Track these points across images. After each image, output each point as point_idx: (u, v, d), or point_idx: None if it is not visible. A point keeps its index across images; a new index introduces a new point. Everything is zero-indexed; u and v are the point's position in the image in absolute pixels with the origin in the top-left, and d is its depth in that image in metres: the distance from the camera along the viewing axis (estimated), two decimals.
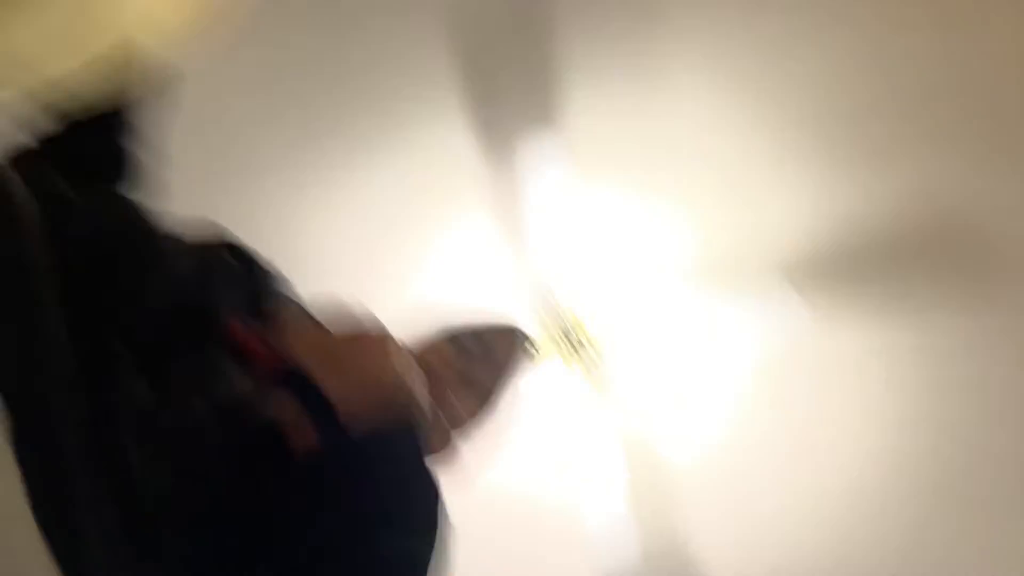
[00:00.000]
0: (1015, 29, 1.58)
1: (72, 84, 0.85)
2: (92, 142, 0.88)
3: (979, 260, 1.81)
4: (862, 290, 1.87)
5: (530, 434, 2.11)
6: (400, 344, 0.86)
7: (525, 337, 1.11)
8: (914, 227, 1.80)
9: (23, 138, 0.86)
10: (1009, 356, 1.89)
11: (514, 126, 1.80)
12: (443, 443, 0.99)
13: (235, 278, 0.91)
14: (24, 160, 0.83)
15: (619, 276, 1.96)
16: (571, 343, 1.92)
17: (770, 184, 1.82)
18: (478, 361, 1.03)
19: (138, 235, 0.83)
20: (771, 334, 1.69)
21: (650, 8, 1.62)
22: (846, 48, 1.70)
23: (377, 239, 1.92)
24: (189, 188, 1.79)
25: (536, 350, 1.11)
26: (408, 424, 0.79)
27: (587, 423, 1.84)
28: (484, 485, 2.11)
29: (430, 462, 0.83)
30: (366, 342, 0.82)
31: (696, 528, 2.16)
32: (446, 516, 0.78)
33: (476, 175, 1.85)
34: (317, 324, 0.95)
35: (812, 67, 1.71)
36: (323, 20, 1.65)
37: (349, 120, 1.80)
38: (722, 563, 2.19)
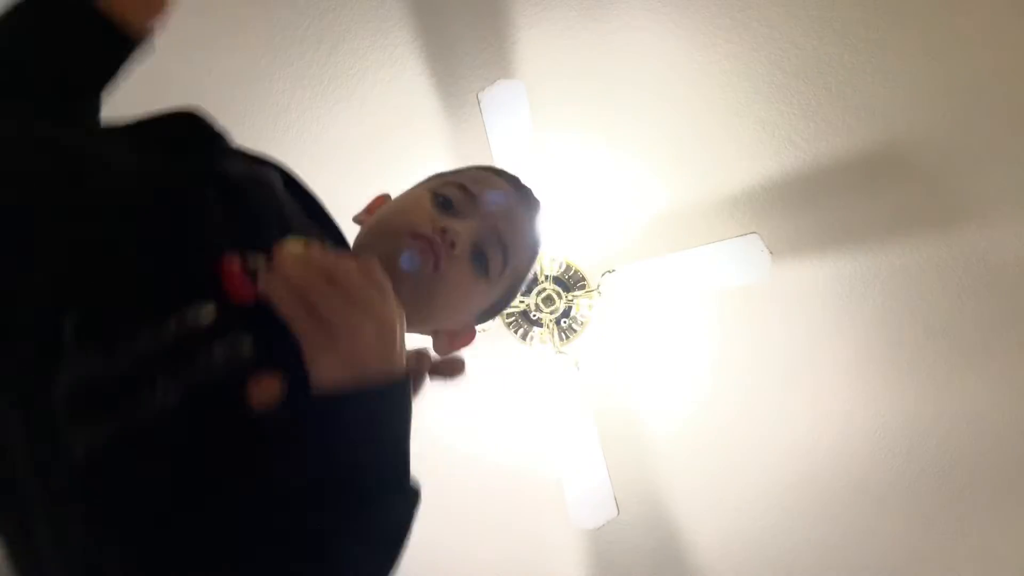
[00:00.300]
0: None
1: None
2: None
3: (938, 176, 1.83)
4: (821, 221, 1.90)
5: (509, 403, 2.11)
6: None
7: (513, 178, 0.90)
8: (866, 156, 1.84)
9: None
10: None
11: (471, 73, 1.77)
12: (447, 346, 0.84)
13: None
14: None
15: (586, 227, 1.97)
16: (542, 299, 1.93)
17: (736, 125, 1.84)
18: (464, 213, 0.81)
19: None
20: (737, 277, 1.72)
21: None
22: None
23: (335, 186, 1.88)
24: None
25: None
26: (394, 388, 0.63)
27: (565, 389, 1.84)
28: (464, 455, 2.13)
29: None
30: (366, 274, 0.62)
31: (678, 493, 2.17)
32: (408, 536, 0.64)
33: (436, 123, 1.82)
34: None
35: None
36: None
37: (304, 64, 1.74)
38: (705, 526, 2.20)
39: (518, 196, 0.88)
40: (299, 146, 1.82)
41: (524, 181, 0.92)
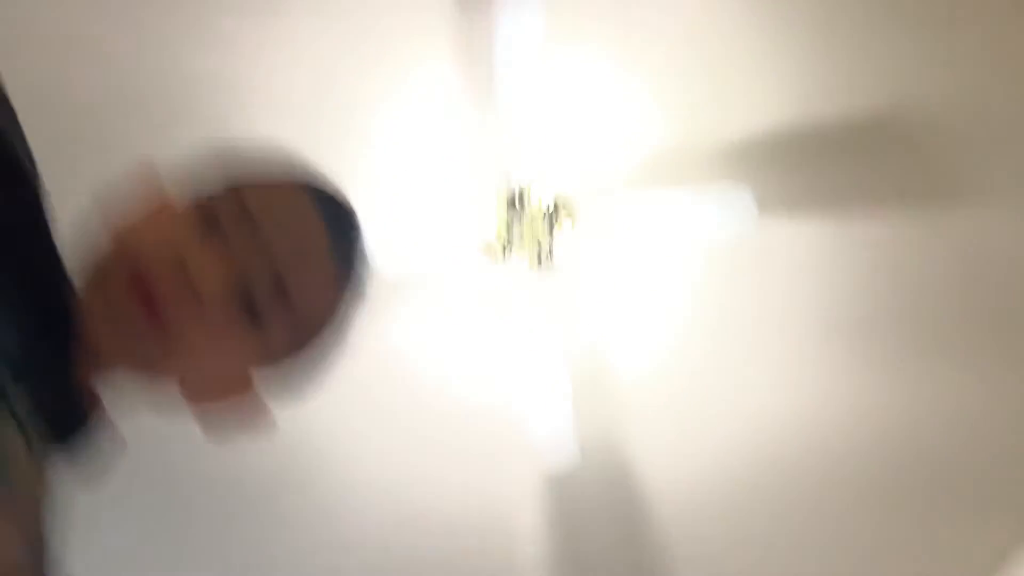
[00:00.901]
0: None
1: None
2: None
3: (935, 153, 1.80)
4: (814, 183, 1.86)
5: (472, 328, 2.06)
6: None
7: (337, 209, 0.66)
8: (872, 120, 1.79)
9: None
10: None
11: None
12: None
13: None
14: None
15: (578, 151, 1.89)
16: (524, 218, 1.87)
17: (747, 71, 1.76)
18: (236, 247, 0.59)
19: None
20: (721, 228, 1.69)
21: None
22: None
23: (329, 75, 1.77)
24: (125, 12, 1.61)
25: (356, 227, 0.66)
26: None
27: (533, 317, 1.81)
28: (423, 383, 2.11)
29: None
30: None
31: (637, 435, 2.17)
32: None
33: (442, 17, 1.71)
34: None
35: None
36: None
37: None
38: (658, 468, 2.21)
39: (319, 221, 0.63)
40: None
41: (344, 201, 0.67)
